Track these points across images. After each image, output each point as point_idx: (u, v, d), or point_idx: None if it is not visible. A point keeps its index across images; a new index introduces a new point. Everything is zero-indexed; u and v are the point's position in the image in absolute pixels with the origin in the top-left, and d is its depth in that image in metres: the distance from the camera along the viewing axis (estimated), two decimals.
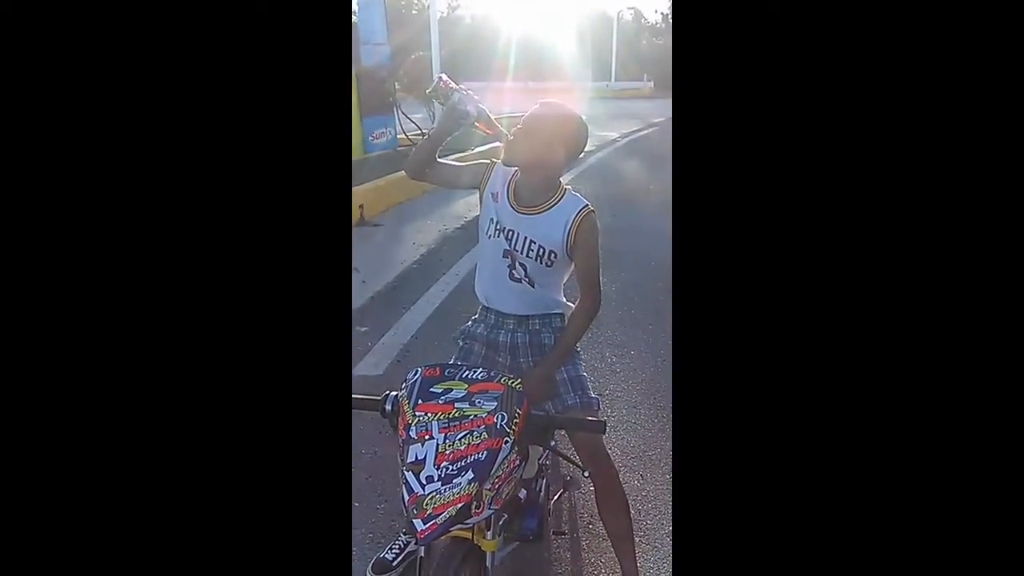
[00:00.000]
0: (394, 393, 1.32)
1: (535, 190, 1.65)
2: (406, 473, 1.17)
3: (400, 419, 1.26)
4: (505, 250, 1.68)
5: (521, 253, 1.66)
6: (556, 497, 1.92)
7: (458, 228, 5.75)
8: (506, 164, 1.65)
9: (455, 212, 6.25)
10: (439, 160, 1.72)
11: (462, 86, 1.71)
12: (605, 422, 1.35)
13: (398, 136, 8.15)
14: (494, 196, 1.69)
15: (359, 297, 3.86)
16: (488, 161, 1.74)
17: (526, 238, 1.65)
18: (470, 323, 1.82)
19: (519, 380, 1.33)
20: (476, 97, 1.72)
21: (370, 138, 7.31)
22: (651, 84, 39.44)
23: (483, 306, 1.79)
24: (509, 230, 1.66)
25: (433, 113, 8.48)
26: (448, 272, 4.52)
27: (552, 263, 1.66)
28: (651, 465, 2.41)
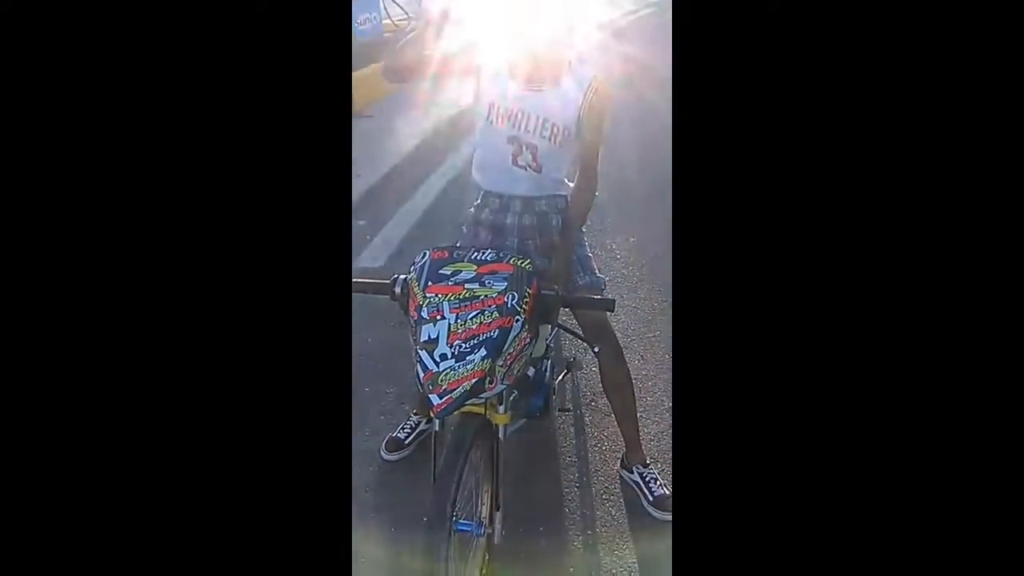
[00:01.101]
0: (403, 276, 1.33)
1: (541, 62, 1.55)
2: (420, 352, 1.20)
3: (411, 301, 1.28)
4: (511, 136, 1.60)
5: (532, 133, 1.58)
6: (560, 377, 1.98)
7: (453, 115, 5.62)
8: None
9: (449, 100, 6.08)
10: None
11: None
12: (614, 300, 1.37)
13: (383, 22, 7.78)
14: (492, 77, 1.60)
15: (355, 191, 3.81)
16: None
17: (536, 117, 1.57)
18: (472, 209, 1.78)
19: (528, 260, 1.34)
20: None
21: (356, 24, 6.99)
22: None
23: (484, 191, 1.75)
24: (516, 112, 1.58)
25: None
26: (444, 162, 4.44)
27: (564, 140, 1.59)
28: (651, 345, 2.46)
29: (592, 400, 2.22)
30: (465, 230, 1.78)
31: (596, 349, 1.60)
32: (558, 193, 1.73)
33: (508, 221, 1.72)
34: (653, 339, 2.51)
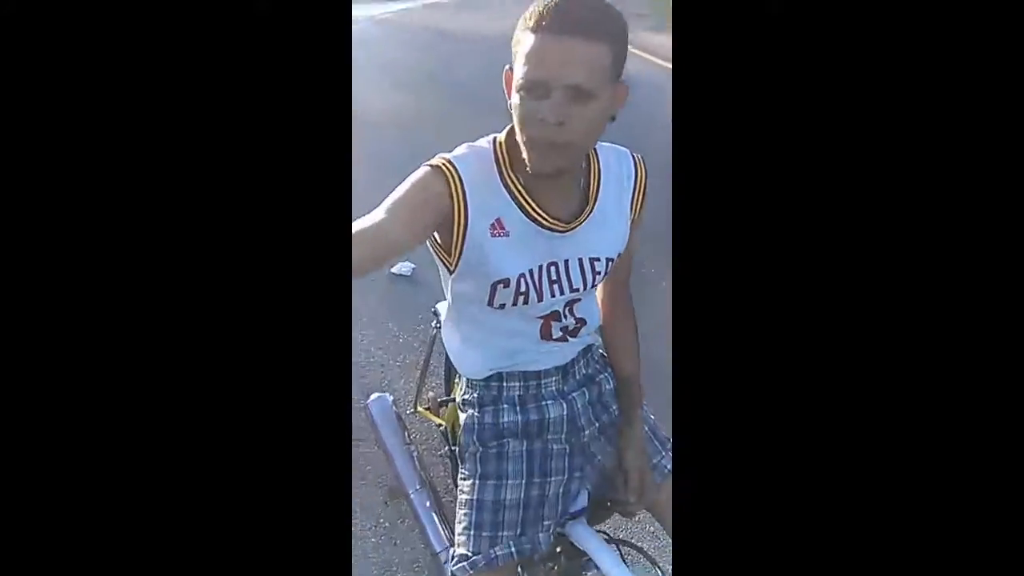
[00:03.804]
0: None
1: (570, 173, 0.98)
2: None
3: None
4: (543, 316, 1.08)
5: (576, 289, 1.04)
6: None
7: None
8: (537, 171, 0.91)
9: None
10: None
11: None
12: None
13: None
14: (494, 228, 0.97)
15: None
16: (440, 168, 0.95)
17: (580, 260, 1.03)
18: (476, 413, 1.15)
19: None
20: None
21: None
22: None
23: (485, 379, 1.15)
24: (549, 269, 1.02)
25: None
26: None
27: (613, 266, 1.09)
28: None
29: None
30: (477, 448, 1.15)
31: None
32: (593, 332, 1.19)
33: (553, 414, 1.14)
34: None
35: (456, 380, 1.25)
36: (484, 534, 1.10)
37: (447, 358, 1.69)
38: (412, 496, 1.66)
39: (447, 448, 1.81)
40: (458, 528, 1.14)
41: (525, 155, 0.92)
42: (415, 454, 1.73)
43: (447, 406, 1.54)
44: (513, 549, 1.09)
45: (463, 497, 1.15)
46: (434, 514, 1.64)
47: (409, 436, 1.77)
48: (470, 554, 1.09)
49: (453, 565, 1.11)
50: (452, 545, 1.59)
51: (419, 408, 1.86)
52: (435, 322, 1.69)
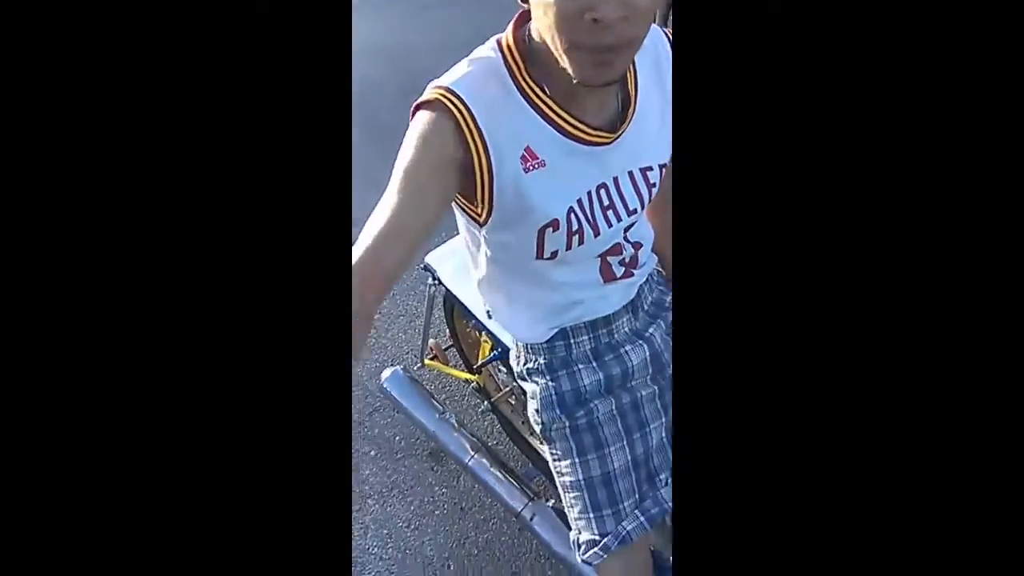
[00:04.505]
0: None
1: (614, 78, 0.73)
2: None
3: None
4: (601, 253, 0.90)
5: (634, 211, 0.86)
6: None
7: None
8: (589, 82, 0.71)
9: None
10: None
11: None
12: None
13: None
14: (526, 160, 0.76)
15: None
16: (439, 102, 0.74)
17: (631, 175, 0.84)
18: (550, 382, 0.98)
19: None
20: None
21: None
22: None
23: (548, 341, 0.98)
24: (599, 193, 0.82)
25: None
26: None
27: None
28: None
29: None
30: (564, 425, 0.99)
31: None
32: (652, 262, 1.03)
33: (634, 360, 1.00)
34: None
35: (515, 350, 1.06)
36: (605, 513, 0.97)
37: (444, 302, 1.54)
38: (471, 464, 1.54)
39: (486, 403, 1.69)
40: (573, 514, 1.01)
41: (567, 64, 0.69)
42: (452, 420, 1.59)
43: (451, 350, 1.60)
44: (642, 518, 0.97)
45: (566, 480, 1.01)
46: (500, 473, 1.53)
47: (439, 403, 1.62)
48: (598, 537, 0.97)
49: (583, 554, 0.99)
50: (532, 499, 1.49)
51: (426, 361, 1.73)
52: (431, 279, 1.51)
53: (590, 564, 0.98)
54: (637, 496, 0.98)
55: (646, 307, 1.04)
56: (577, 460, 0.98)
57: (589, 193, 0.82)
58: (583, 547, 0.99)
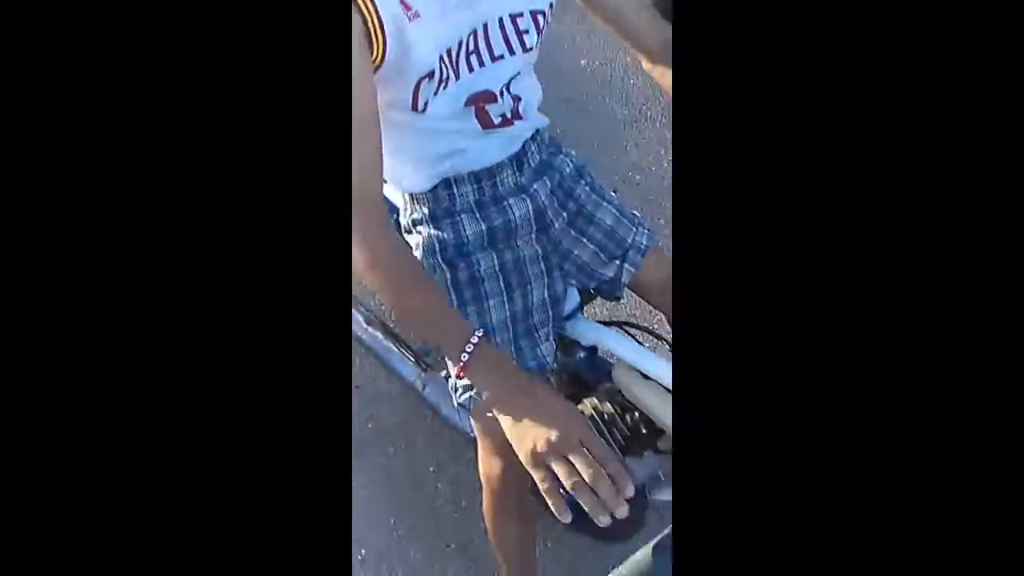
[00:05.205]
0: None
1: None
2: None
3: None
4: (472, 99, 0.91)
5: (500, 57, 0.89)
6: None
7: None
8: None
9: None
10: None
11: None
12: None
13: None
14: (407, 7, 0.79)
15: None
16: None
17: (500, 21, 0.88)
18: (432, 231, 1.01)
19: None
20: None
21: None
22: None
23: (432, 190, 1.00)
24: (469, 41, 0.86)
25: None
26: None
27: (549, 19, 0.92)
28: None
29: None
30: (443, 267, 1.02)
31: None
32: (538, 112, 1.03)
33: (518, 213, 1.01)
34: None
35: (403, 206, 1.08)
36: None
37: None
38: (364, 338, 1.56)
39: None
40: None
41: None
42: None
43: None
44: None
45: None
46: (393, 346, 1.56)
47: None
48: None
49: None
50: (425, 370, 1.54)
51: None
52: None
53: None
54: (513, 349, 1.02)
55: (533, 164, 1.04)
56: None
57: (460, 41, 0.85)
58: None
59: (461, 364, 0.76)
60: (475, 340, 0.76)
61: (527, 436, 0.71)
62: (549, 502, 0.70)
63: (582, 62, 2.39)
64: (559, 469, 0.68)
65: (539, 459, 0.70)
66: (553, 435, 0.69)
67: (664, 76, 0.99)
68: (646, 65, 1.01)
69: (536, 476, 0.70)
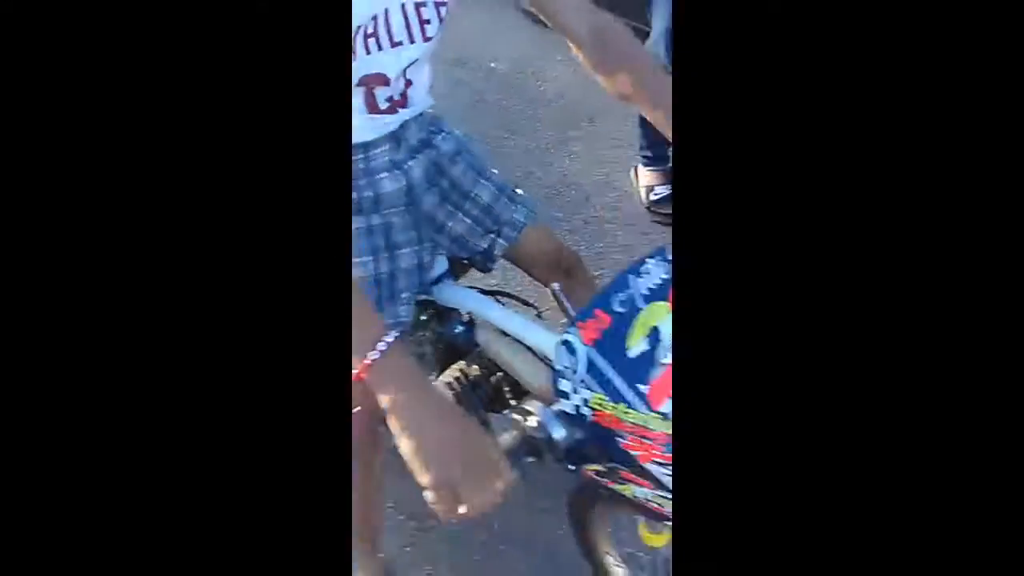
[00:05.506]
0: None
1: None
2: None
3: None
4: (366, 76, 0.94)
5: (399, 43, 0.92)
6: None
7: None
8: None
9: None
10: None
11: None
12: None
13: None
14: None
15: None
16: None
17: (403, 7, 0.90)
18: None
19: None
20: None
21: None
22: None
23: None
24: (369, 24, 0.88)
25: None
26: None
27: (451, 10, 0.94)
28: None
29: None
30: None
31: (556, 285, 1.00)
32: (422, 104, 1.06)
33: (382, 190, 1.05)
34: None
35: None
36: None
37: None
38: None
39: None
40: None
41: None
42: None
43: None
44: None
45: None
46: None
47: None
48: None
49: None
50: None
51: None
52: None
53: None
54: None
55: (412, 142, 1.07)
56: None
57: (360, 25, 0.86)
58: None
59: (367, 363, 0.69)
60: (389, 339, 0.70)
61: (430, 461, 0.67)
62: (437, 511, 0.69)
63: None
64: (449, 499, 0.67)
65: (439, 484, 0.67)
66: (456, 470, 0.67)
67: (595, 65, 0.93)
68: (574, 51, 0.95)
69: (431, 498, 0.68)
